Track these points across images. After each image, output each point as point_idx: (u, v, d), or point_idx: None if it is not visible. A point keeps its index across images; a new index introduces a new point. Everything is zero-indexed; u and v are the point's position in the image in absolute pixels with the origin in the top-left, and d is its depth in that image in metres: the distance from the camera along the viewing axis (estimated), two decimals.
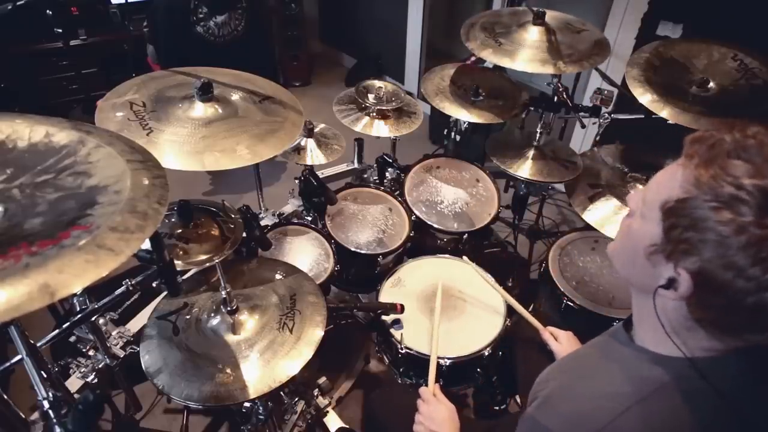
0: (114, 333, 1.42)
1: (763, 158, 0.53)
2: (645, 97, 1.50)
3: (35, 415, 1.04)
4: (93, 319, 1.20)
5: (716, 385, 0.63)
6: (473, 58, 2.82)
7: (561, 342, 1.21)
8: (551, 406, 0.74)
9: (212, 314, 1.30)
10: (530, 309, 1.95)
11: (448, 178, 2.02)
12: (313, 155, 1.81)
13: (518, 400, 1.63)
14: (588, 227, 1.71)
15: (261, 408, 1.37)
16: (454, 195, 1.96)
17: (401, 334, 1.45)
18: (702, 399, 0.64)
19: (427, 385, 1.20)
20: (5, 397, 0.95)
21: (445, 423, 1.09)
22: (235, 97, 1.27)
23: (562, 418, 0.70)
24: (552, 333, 1.23)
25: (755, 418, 0.66)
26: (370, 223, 1.87)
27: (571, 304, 1.62)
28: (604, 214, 1.65)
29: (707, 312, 0.62)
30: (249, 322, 1.28)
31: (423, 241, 1.92)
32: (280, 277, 1.42)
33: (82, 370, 1.31)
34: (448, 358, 1.39)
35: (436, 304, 1.45)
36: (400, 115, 1.99)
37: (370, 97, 1.95)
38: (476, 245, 1.98)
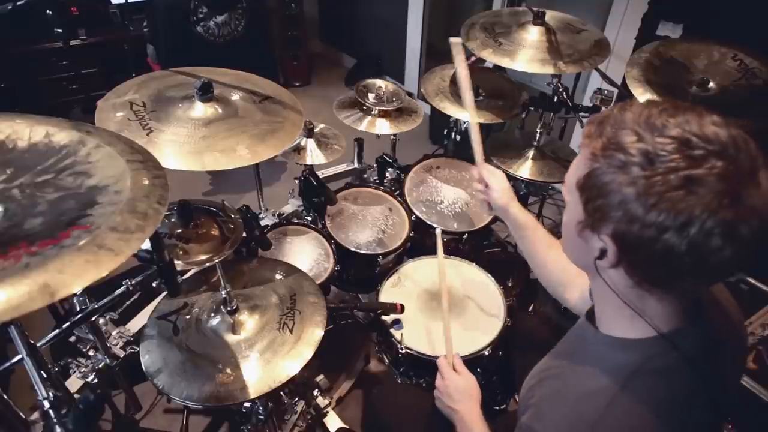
0: (114, 333, 1.42)
1: (639, 126, 0.62)
2: (645, 97, 1.50)
3: (35, 415, 1.04)
4: (93, 319, 1.20)
5: (687, 354, 0.68)
6: (473, 58, 2.82)
7: (492, 185, 1.24)
8: (542, 413, 0.76)
9: (212, 314, 1.30)
10: (530, 309, 1.96)
11: (448, 178, 2.02)
12: (313, 155, 1.81)
13: (518, 399, 1.63)
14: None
15: (261, 408, 1.37)
16: (454, 195, 1.96)
17: (401, 334, 1.45)
18: (673, 374, 0.69)
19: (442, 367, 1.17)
20: (5, 397, 0.95)
21: (464, 400, 1.08)
22: (235, 97, 1.27)
23: (555, 424, 0.72)
24: (486, 172, 1.26)
25: (720, 381, 0.72)
26: (370, 223, 1.87)
27: None
28: None
29: (637, 270, 0.67)
30: (249, 322, 1.28)
31: (423, 241, 1.92)
32: (280, 277, 1.42)
33: (82, 370, 1.30)
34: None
35: (442, 288, 1.44)
36: (400, 114, 1.99)
37: (370, 96, 1.95)
38: (476, 245, 1.98)
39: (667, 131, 0.60)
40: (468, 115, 1.33)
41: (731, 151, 0.58)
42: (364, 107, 1.96)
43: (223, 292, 1.26)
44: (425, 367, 1.45)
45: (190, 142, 1.11)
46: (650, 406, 0.67)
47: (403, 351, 1.42)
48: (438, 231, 1.47)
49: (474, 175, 1.29)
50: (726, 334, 0.77)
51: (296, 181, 1.93)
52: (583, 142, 0.68)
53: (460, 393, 1.09)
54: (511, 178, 2.05)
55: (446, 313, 1.30)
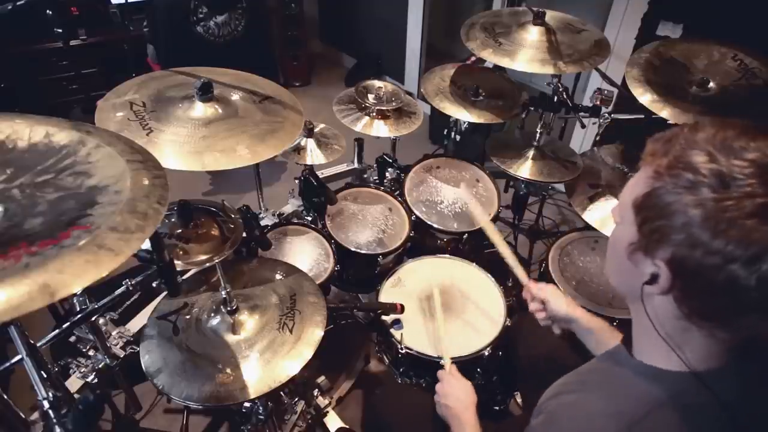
0: (114, 333, 1.42)
1: (713, 147, 0.58)
2: (645, 97, 1.50)
3: (35, 415, 1.04)
4: (93, 319, 1.20)
5: (721, 397, 0.63)
6: (473, 58, 2.82)
7: (548, 299, 1.17)
8: (554, 421, 0.74)
9: (212, 314, 1.30)
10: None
11: (448, 178, 2.02)
12: (313, 155, 1.81)
13: (518, 399, 1.63)
14: (588, 227, 1.71)
15: (261, 408, 1.37)
16: (454, 195, 1.96)
17: (401, 334, 1.45)
18: (703, 414, 0.64)
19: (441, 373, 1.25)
20: (5, 397, 0.95)
21: (459, 399, 1.14)
22: (235, 97, 1.27)
23: None
24: (537, 290, 1.19)
25: (749, 427, 0.66)
26: (370, 223, 1.87)
27: None
28: (604, 214, 1.65)
29: (691, 301, 0.63)
30: (249, 322, 1.28)
31: (423, 241, 1.92)
32: (280, 277, 1.42)
33: (82, 370, 1.30)
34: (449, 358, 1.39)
35: (435, 296, 1.47)
36: (400, 115, 1.99)
37: (370, 97, 1.95)
38: (476, 245, 1.98)
39: (746, 154, 0.56)
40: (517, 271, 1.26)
41: None
42: (363, 106, 1.96)
43: (223, 292, 1.25)
44: (425, 367, 1.46)
45: (190, 142, 1.11)
46: None
47: (403, 351, 1.42)
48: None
49: (526, 296, 1.23)
50: None
51: (296, 181, 1.93)
52: (645, 160, 0.65)
53: (456, 394, 1.15)
54: (511, 178, 2.06)
55: (441, 324, 1.35)
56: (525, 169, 1.81)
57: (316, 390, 1.68)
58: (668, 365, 0.68)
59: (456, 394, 1.15)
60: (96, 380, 1.30)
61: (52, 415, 0.93)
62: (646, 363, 0.71)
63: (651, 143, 0.65)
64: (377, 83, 2.01)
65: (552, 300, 1.17)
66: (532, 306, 1.21)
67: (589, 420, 0.69)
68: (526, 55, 1.61)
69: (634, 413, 0.65)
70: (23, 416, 0.99)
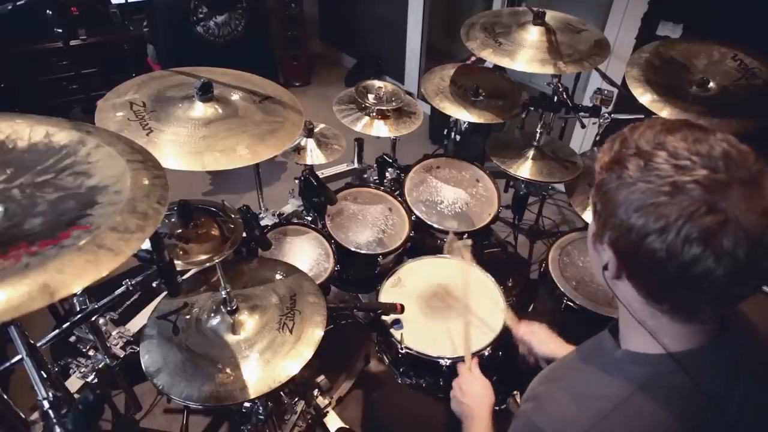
0: (114, 333, 1.42)
1: (640, 141, 0.65)
2: (645, 97, 1.50)
3: (35, 415, 1.04)
4: (93, 319, 1.20)
5: (696, 379, 0.67)
6: (473, 58, 2.82)
7: (538, 334, 1.23)
8: (542, 406, 0.77)
9: (212, 314, 1.30)
10: (530, 309, 1.95)
11: (448, 178, 2.02)
12: (313, 155, 1.81)
13: (518, 399, 1.63)
14: (588, 227, 1.71)
15: (261, 408, 1.37)
16: (454, 195, 1.96)
17: (401, 334, 1.45)
18: (683, 394, 0.67)
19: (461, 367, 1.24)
20: (5, 397, 0.95)
21: (477, 397, 1.13)
22: (235, 97, 1.27)
23: (551, 419, 0.73)
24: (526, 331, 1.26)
25: (732, 410, 0.69)
26: (370, 223, 1.87)
27: (571, 304, 1.62)
28: None
29: (640, 282, 0.68)
30: (249, 322, 1.28)
31: (423, 241, 1.92)
32: (280, 277, 1.42)
33: (82, 370, 1.30)
34: (448, 358, 1.39)
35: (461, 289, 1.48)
36: (400, 115, 1.99)
37: (370, 97, 1.95)
38: (476, 245, 1.98)
39: (664, 145, 0.63)
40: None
41: (719, 163, 0.59)
42: (363, 106, 1.96)
43: (223, 292, 1.25)
44: (425, 367, 1.45)
45: (190, 142, 1.11)
46: (653, 422, 0.67)
47: (403, 351, 1.42)
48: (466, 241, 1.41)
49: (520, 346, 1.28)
50: (757, 358, 0.75)
51: (296, 181, 1.93)
52: (598, 158, 0.71)
53: (474, 392, 1.14)
54: (511, 178, 2.06)
55: (466, 321, 1.34)
56: (525, 169, 1.81)
57: (316, 390, 1.68)
58: (647, 348, 0.72)
59: (475, 392, 1.13)
60: (96, 380, 1.30)
61: (52, 415, 0.93)
62: (629, 349, 0.75)
63: (605, 143, 0.71)
64: (377, 83, 2.01)
65: (537, 347, 1.22)
66: (521, 348, 1.27)
67: (578, 402, 0.72)
68: (526, 55, 1.61)
69: (620, 394, 0.69)
70: (23, 416, 0.99)
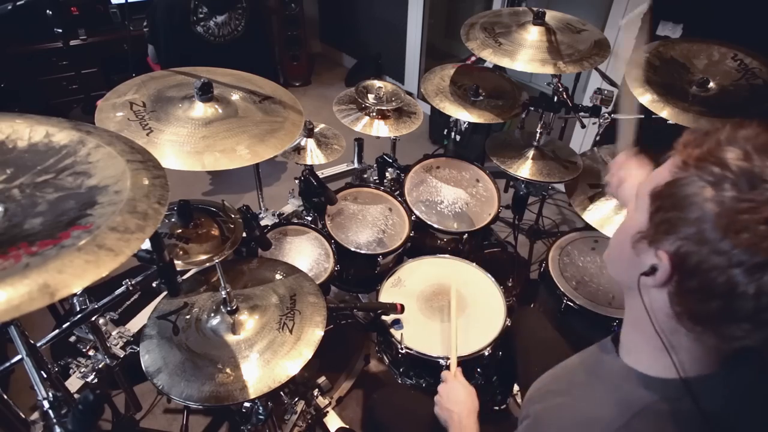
0: (114, 333, 1.42)
1: (752, 146, 0.55)
2: (645, 97, 1.50)
3: (35, 415, 1.04)
4: (93, 319, 1.20)
5: (705, 407, 0.62)
6: (473, 58, 2.82)
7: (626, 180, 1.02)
8: (541, 426, 0.75)
9: (212, 314, 1.30)
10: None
11: (448, 178, 2.02)
12: (313, 155, 1.81)
13: (518, 399, 1.63)
14: (588, 227, 1.71)
15: (261, 408, 1.37)
16: (454, 195, 1.96)
17: (401, 334, 1.45)
18: (689, 421, 0.63)
19: (448, 369, 1.25)
20: (5, 397, 0.95)
21: (460, 403, 1.12)
22: (235, 97, 1.27)
23: None
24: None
25: None
26: (370, 223, 1.87)
27: (571, 304, 1.62)
28: (604, 214, 1.65)
29: (685, 300, 0.60)
30: (249, 322, 1.28)
31: (423, 241, 1.92)
32: (280, 277, 1.42)
33: (82, 370, 1.31)
34: (448, 359, 1.39)
35: (452, 293, 1.48)
36: (400, 115, 1.99)
37: (370, 97, 1.95)
38: (476, 245, 1.98)
39: None
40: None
41: None
42: (363, 106, 1.96)
43: (223, 292, 1.25)
44: (425, 367, 1.46)
45: (190, 142, 1.11)
46: None
47: (403, 351, 1.42)
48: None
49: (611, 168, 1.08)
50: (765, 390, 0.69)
51: (296, 181, 1.93)
52: (676, 150, 0.61)
53: (458, 398, 1.13)
54: (511, 178, 2.06)
55: (454, 326, 1.34)
56: (525, 169, 1.81)
57: (316, 390, 1.68)
58: (655, 371, 0.67)
59: (459, 398, 1.13)
60: (96, 380, 1.31)
61: (52, 415, 0.93)
62: (631, 366, 0.71)
63: (687, 134, 0.61)
64: (377, 83, 2.01)
65: (629, 180, 1.01)
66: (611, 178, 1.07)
67: (575, 425, 0.70)
68: (526, 55, 1.61)
69: (620, 417, 0.65)
70: (23, 416, 0.99)
